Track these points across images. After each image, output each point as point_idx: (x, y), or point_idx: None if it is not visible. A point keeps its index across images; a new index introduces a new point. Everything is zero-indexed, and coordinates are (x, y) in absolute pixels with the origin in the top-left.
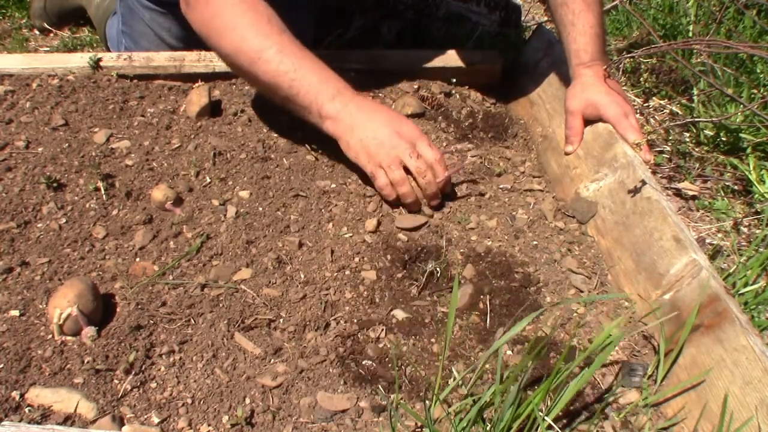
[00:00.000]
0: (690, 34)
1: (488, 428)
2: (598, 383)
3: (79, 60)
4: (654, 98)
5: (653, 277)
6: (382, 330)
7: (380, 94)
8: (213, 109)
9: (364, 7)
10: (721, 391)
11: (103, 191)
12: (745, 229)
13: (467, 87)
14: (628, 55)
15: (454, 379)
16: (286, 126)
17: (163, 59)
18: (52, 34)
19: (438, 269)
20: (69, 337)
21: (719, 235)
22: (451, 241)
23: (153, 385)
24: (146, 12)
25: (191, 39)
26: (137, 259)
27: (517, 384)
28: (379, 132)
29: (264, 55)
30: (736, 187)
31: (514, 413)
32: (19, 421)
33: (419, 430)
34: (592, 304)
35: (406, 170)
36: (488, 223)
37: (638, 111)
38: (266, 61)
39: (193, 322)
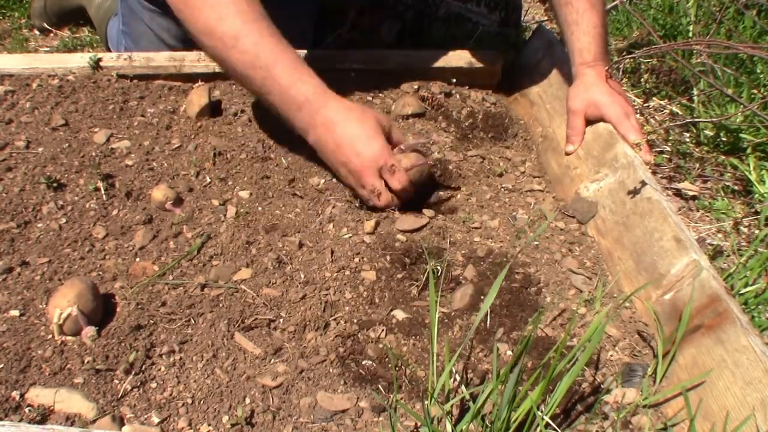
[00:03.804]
0: (690, 35)
1: (486, 427)
2: (598, 383)
3: (79, 60)
4: (654, 98)
5: (654, 278)
6: (382, 330)
7: (380, 94)
8: (213, 109)
9: (363, 7)
10: (721, 392)
11: (103, 191)
12: (745, 229)
13: (467, 87)
14: (629, 56)
15: (455, 380)
16: (286, 126)
17: (163, 59)
18: (52, 34)
19: (438, 268)
20: (69, 337)
21: (719, 235)
22: (453, 242)
23: (153, 385)
24: (146, 12)
25: (190, 40)
26: (137, 259)
27: (513, 380)
28: (350, 153)
29: (240, 44)
30: (736, 187)
31: (510, 410)
32: (19, 421)
33: (419, 430)
34: (592, 304)
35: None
36: (490, 224)
37: (638, 111)
38: (242, 51)
39: (193, 322)
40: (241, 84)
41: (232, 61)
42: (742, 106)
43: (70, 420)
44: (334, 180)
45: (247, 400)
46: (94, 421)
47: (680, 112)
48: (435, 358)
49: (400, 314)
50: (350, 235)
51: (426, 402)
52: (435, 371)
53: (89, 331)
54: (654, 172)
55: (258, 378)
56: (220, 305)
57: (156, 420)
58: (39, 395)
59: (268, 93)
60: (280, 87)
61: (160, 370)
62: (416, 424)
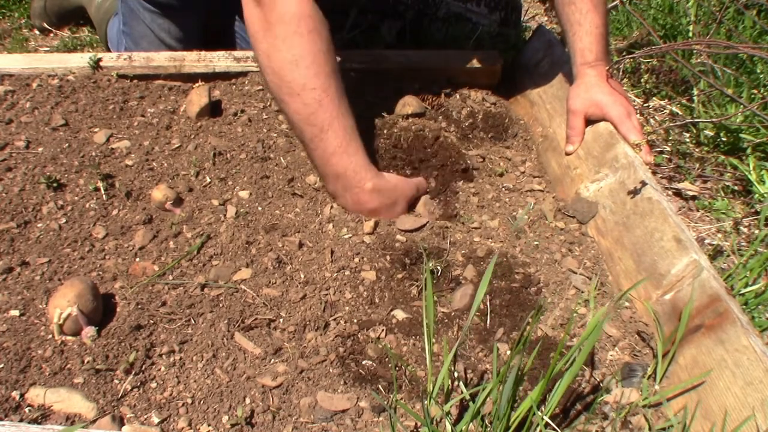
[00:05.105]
0: (690, 35)
1: (486, 427)
2: (598, 383)
3: (79, 60)
4: (654, 98)
5: (654, 278)
6: (382, 330)
7: (380, 94)
8: (213, 109)
9: (363, 7)
10: (721, 392)
11: (103, 191)
12: (745, 229)
13: (467, 87)
14: (629, 56)
15: (455, 380)
16: (286, 126)
17: (163, 59)
18: (52, 34)
19: (438, 268)
20: (69, 337)
21: (719, 235)
22: (453, 242)
23: (153, 385)
24: (147, 13)
25: (190, 41)
26: (137, 259)
27: (512, 379)
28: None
29: (304, 96)
30: (736, 187)
31: (510, 410)
32: (19, 421)
33: (419, 430)
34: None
35: None
36: (490, 224)
37: (638, 111)
38: (304, 103)
39: (193, 322)
40: (291, 126)
41: (291, 108)
42: (742, 106)
43: (70, 420)
44: None
45: (247, 400)
46: (94, 421)
47: (680, 112)
48: (431, 357)
49: (400, 314)
50: (350, 235)
51: (426, 402)
52: (432, 371)
53: (89, 331)
54: (654, 173)
55: (258, 378)
56: (220, 305)
57: (156, 420)
58: (39, 395)
59: (313, 149)
60: (325, 151)
61: (160, 370)
62: (416, 424)
